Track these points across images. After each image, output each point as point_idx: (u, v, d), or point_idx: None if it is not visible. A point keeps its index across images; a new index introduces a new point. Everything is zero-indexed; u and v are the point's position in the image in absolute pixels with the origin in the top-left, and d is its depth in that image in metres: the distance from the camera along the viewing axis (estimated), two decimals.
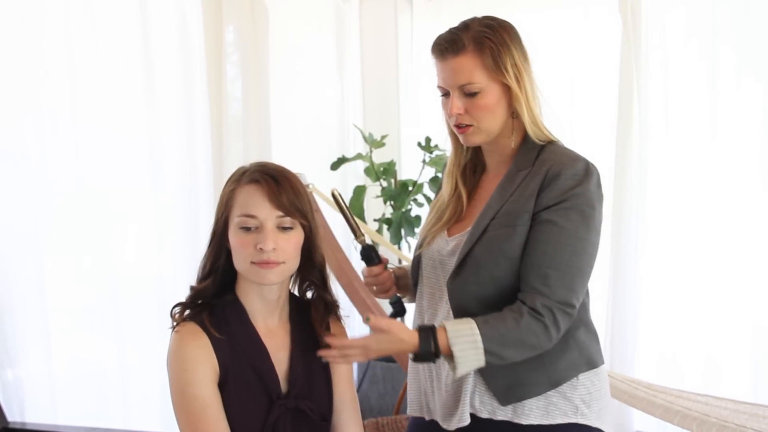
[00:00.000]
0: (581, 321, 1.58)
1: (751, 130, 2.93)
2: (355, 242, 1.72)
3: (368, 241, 1.75)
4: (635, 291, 3.06)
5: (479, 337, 1.43)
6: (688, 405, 2.15)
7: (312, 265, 1.51)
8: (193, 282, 1.50)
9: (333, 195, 1.68)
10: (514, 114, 1.55)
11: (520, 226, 1.49)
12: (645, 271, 3.08)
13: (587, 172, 1.50)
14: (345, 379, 1.57)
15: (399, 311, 1.73)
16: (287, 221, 1.42)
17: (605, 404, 1.59)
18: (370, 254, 1.71)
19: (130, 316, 2.67)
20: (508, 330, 1.45)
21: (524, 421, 1.52)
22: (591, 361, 1.57)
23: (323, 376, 1.53)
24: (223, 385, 1.41)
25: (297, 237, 1.45)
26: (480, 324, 1.45)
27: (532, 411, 1.52)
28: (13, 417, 2.36)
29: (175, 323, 1.45)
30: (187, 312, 1.47)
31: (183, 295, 1.52)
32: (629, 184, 3.01)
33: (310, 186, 1.77)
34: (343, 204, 1.71)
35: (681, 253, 3.06)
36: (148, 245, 2.78)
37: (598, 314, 3.12)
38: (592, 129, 3.27)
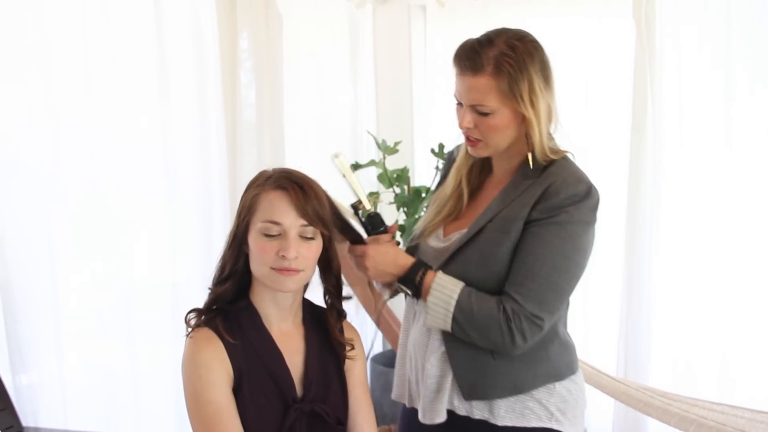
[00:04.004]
0: (555, 335, 1.60)
1: (765, 136, 2.91)
2: (360, 210, 1.64)
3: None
4: (649, 298, 3.04)
5: (454, 303, 1.50)
6: (703, 414, 2.13)
7: (330, 273, 1.52)
8: (209, 284, 1.49)
9: (336, 159, 1.62)
10: (526, 134, 1.54)
11: (513, 233, 1.51)
12: (659, 277, 3.06)
13: (587, 194, 1.51)
14: (360, 382, 1.57)
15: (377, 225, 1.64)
16: (310, 231, 1.42)
17: (580, 411, 1.62)
18: (379, 220, 1.63)
19: (143, 322, 2.68)
20: (482, 314, 1.49)
21: (500, 423, 1.55)
22: (559, 373, 1.58)
23: (338, 379, 1.53)
24: (237, 390, 1.41)
25: (317, 246, 1.45)
26: (462, 292, 1.50)
27: (508, 413, 1.55)
28: (27, 421, 2.37)
29: (189, 329, 1.45)
30: (201, 318, 1.47)
31: (197, 300, 1.52)
32: (643, 191, 3.00)
33: (340, 157, 1.71)
34: (347, 170, 1.63)
35: (695, 260, 3.04)
36: (161, 251, 2.79)
37: (611, 321, 3.14)
38: (606, 135, 3.25)
